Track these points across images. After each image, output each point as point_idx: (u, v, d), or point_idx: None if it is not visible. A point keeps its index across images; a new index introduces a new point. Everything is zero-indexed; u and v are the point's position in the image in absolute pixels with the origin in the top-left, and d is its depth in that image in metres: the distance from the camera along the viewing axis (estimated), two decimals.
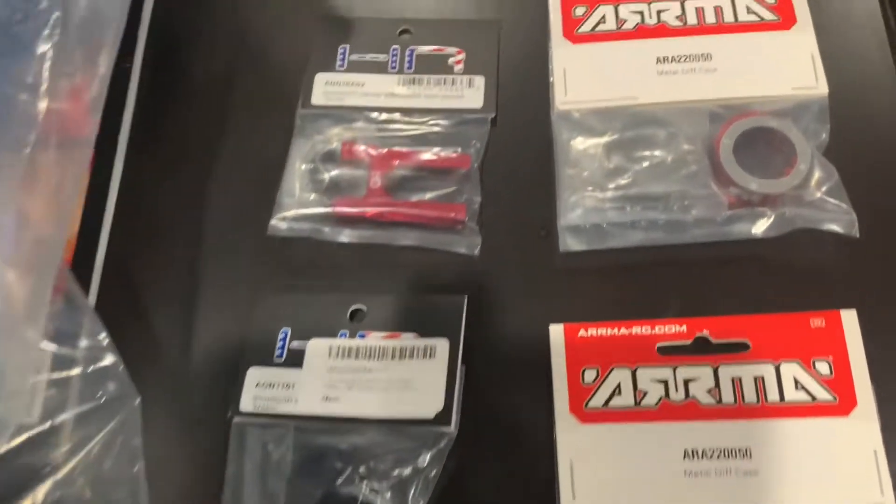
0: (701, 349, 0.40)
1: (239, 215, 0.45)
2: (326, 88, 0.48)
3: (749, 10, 0.47)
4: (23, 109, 0.35)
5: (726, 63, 0.46)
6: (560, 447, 0.38)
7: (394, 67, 0.48)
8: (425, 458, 0.38)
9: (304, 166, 0.45)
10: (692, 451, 0.38)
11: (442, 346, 0.40)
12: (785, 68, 0.45)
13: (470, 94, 0.47)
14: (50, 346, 0.37)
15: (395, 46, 0.49)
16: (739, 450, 0.38)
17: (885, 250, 0.42)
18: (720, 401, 0.39)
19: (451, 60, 0.48)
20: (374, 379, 0.40)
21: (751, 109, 0.44)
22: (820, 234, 0.42)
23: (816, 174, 0.43)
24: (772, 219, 0.42)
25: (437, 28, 0.49)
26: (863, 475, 0.37)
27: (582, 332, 0.41)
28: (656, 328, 0.41)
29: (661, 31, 0.47)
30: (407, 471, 0.38)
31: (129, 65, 0.49)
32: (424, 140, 0.46)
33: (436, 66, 0.48)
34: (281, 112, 0.47)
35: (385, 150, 0.46)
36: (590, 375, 0.40)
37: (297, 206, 0.44)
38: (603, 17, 0.48)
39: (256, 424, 0.40)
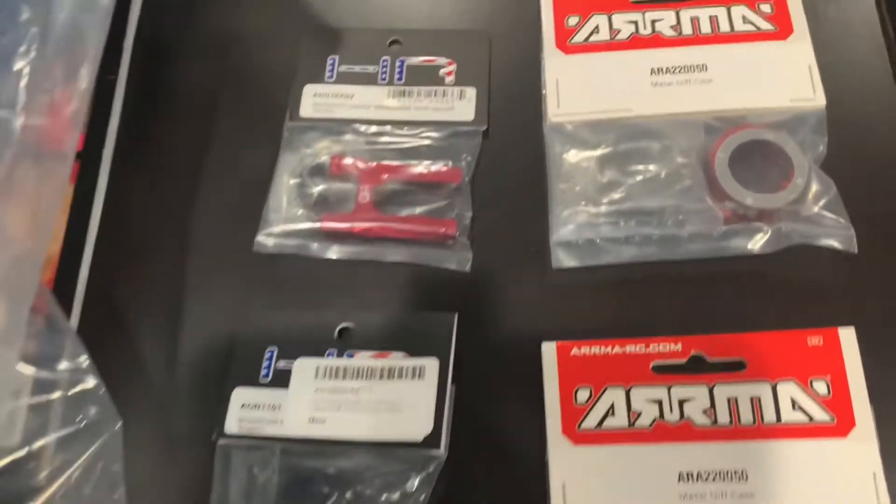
0: (696, 368, 0.39)
1: (225, 231, 0.44)
2: (315, 100, 0.47)
3: (745, 20, 0.46)
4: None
5: (722, 74, 0.45)
6: (552, 470, 0.38)
7: (384, 79, 0.47)
8: (414, 483, 0.37)
9: (291, 181, 0.45)
10: (687, 474, 0.37)
11: (431, 365, 0.39)
12: (781, 79, 0.45)
13: (461, 105, 0.46)
14: (30, 370, 0.36)
15: (385, 57, 0.48)
16: (735, 472, 0.37)
17: (885, 266, 0.41)
18: (716, 422, 0.38)
19: (441, 72, 0.47)
20: (361, 400, 0.39)
21: (747, 122, 0.44)
22: (817, 250, 0.41)
23: (814, 188, 0.42)
24: (768, 234, 0.41)
25: (428, 38, 0.49)
26: (861, 498, 0.36)
27: (575, 351, 0.40)
28: (651, 346, 0.40)
29: (656, 41, 0.46)
30: (395, 496, 0.37)
31: (114, 77, 0.48)
32: (415, 153, 0.45)
33: (426, 77, 0.47)
34: (269, 125, 0.46)
35: (374, 164, 0.45)
36: (583, 395, 0.39)
37: (284, 222, 0.43)
38: (596, 27, 0.47)
39: (242, 447, 0.39)
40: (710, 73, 0.45)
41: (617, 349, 0.40)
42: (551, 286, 0.42)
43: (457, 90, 0.47)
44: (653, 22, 0.47)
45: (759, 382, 0.39)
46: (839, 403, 0.38)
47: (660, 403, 0.39)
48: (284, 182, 0.44)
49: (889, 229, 0.41)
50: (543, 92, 0.46)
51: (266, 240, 0.43)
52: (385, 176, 0.44)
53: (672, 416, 0.38)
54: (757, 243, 0.41)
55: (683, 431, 0.38)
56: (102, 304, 0.43)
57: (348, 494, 0.37)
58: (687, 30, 0.46)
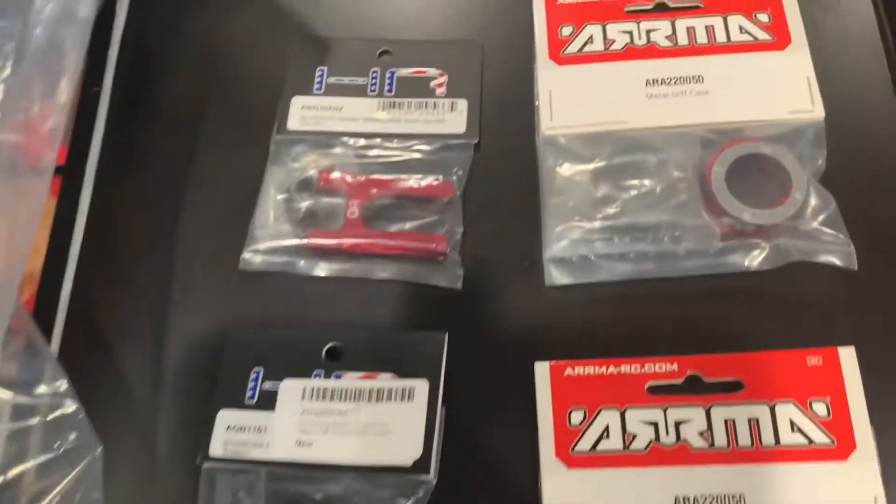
0: (693, 388, 0.38)
1: (211, 247, 0.43)
2: (303, 113, 0.46)
3: (742, 30, 0.45)
4: None
5: (718, 85, 0.44)
6: (546, 495, 0.37)
7: (373, 90, 0.46)
8: None
9: (278, 196, 0.44)
10: (684, 499, 0.36)
11: (421, 387, 0.38)
12: (779, 91, 0.44)
13: (452, 118, 0.45)
14: (7, 394, 0.35)
15: (374, 68, 0.47)
16: (733, 496, 0.36)
17: (886, 283, 0.40)
18: (713, 444, 0.37)
19: (432, 83, 0.46)
20: (349, 423, 0.38)
21: (744, 135, 0.43)
22: (817, 267, 0.40)
23: (813, 203, 0.41)
24: (766, 250, 0.40)
25: (419, 49, 0.48)
26: None
27: (569, 371, 0.39)
28: (646, 366, 0.39)
29: (651, 51, 0.45)
30: None
31: (98, 89, 0.47)
32: (405, 167, 0.44)
33: (417, 88, 0.46)
34: (256, 138, 0.45)
35: (363, 178, 0.44)
36: (577, 417, 0.38)
37: (271, 238, 0.42)
38: (590, 37, 0.46)
39: (227, 470, 0.38)
40: (707, 85, 0.44)
41: (612, 369, 0.39)
42: (544, 304, 0.41)
43: (448, 102, 0.46)
44: (648, 32, 0.46)
45: (757, 404, 0.38)
46: (839, 425, 0.37)
47: (655, 425, 0.38)
48: (271, 197, 0.43)
49: (890, 245, 0.41)
50: (536, 104, 0.45)
51: (252, 257, 0.42)
52: (374, 190, 0.43)
53: (668, 439, 0.37)
54: (755, 260, 0.40)
55: (680, 454, 0.37)
56: (85, 321, 0.42)
57: None
58: (683, 40, 0.45)
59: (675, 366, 0.39)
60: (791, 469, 0.36)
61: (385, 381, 0.39)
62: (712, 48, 0.45)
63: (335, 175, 0.44)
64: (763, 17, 0.46)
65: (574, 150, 0.43)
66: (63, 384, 0.36)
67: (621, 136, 0.43)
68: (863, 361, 0.38)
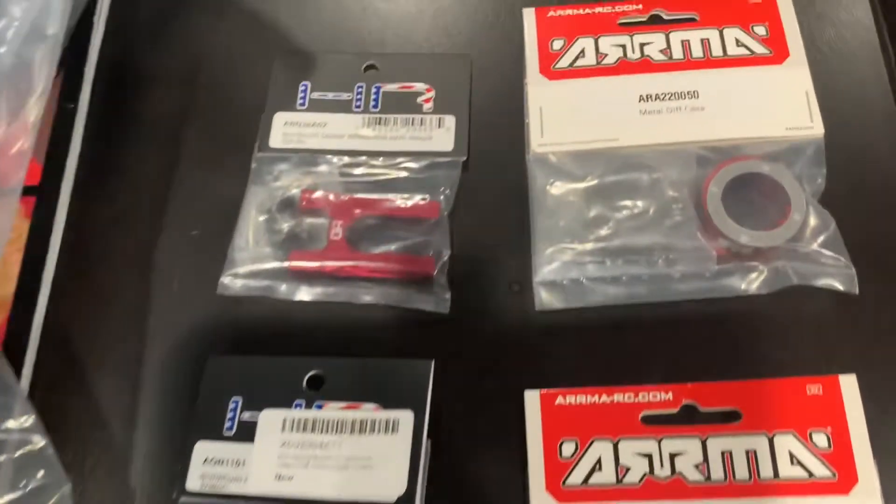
0: (688, 418, 0.37)
1: (190, 271, 0.42)
2: (286, 129, 0.44)
3: (738, 43, 0.44)
4: None
5: (714, 101, 0.43)
6: None
7: (358, 106, 0.45)
8: None
9: (259, 217, 0.42)
10: None
11: (406, 418, 0.37)
12: (777, 107, 0.42)
13: (439, 135, 0.44)
14: None
15: (360, 83, 0.46)
16: None
17: (888, 308, 0.38)
18: (709, 477, 0.36)
19: (419, 99, 0.45)
20: (331, 456, 0.36)
21: (740, 152, 0.41)
22: (816, 291, 0.39)
23: (812, 224, 0.40)
24: (764, 274, 0.39)
25: (405, 63, 0.46)
26: None
27: (560, 400, 0.38)
28: (640, 395, 0.37)
29: (645, 65, 0.44)
30: None
31: (74, 105, 0.45)
32: (390, 186, 0.43)
33: (403, 104, 0.45)
34: (237, 156, 0.44)
35: (347, 198, 0.42)
36: (568, 448, 0.37)
37: (251, 262, 0.41)
38: (582, 50, 0.45)
39: None
40: (702, 101, 0.43)
41: (604, 398, 0.38)
42: (534, 329, 0.40)
43: (435, 118, 0.44)
44: (641, 45, 0.44)
45: (755, 435, 0.36)
46: (841, 457, 0.35)
47: (650, 458, 0.36)
48: (252, 218, 0.42)
49: (893, 269, 0.39)
50: (526, 120, 0.43)
51: (231, 281, 0.41)
52: (358, 211, 0.42)
53: (663, 472, 0.36)
54: (752, 284, 0.39)
55: (675, 488, 0.35)
56: (59, 348, 0.41)
57: None
58: (677, 54, 0.44)
59: (669, 395, 0.37)
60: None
61: (368, 411, 0.37)
62: (708, 62, 0.44)
63: (318, 195, 0.42)
64: (760, 30, 0.44)
65: (565, 168, 0.42)
66: (31, 419, 0.34)
67: (614, 153, 0.42)
68: (865, 390, 0.36)
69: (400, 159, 0.44)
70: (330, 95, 0.45)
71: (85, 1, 0.47)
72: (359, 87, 0.45)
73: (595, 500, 0.36)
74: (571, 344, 0.39)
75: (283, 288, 0.41)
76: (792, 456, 0.36)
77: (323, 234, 0.42)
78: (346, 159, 0.44)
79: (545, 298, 0.40)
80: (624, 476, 0.36)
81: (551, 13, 0.46)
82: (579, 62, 0.44)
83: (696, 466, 0.36)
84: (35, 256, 0.42)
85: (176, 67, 0.47)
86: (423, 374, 0.38)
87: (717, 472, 0.36)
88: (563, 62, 0.44)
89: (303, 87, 0.46)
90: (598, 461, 0.36)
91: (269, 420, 0.37)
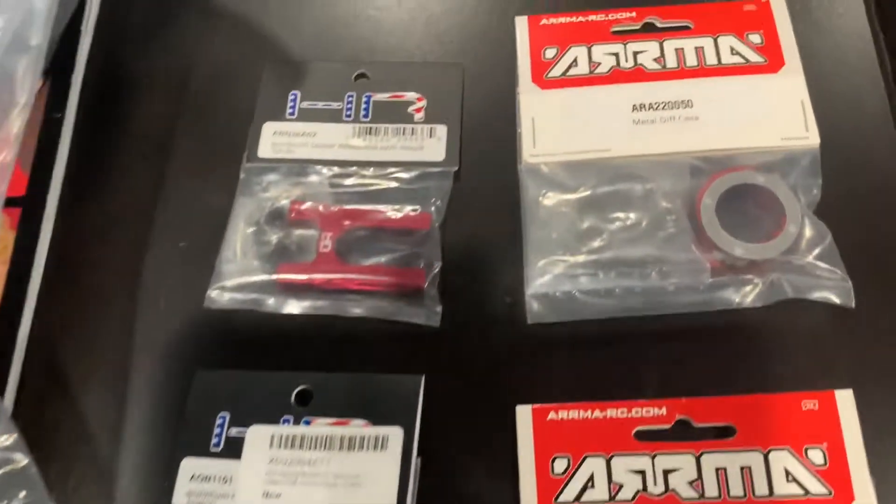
0: (682, 434, 0.36)
1: (177, 283, 0.41)
2: (275, 139, 0.44)
3: (733, 52, 0.43)
4: None
5: (708, 110, 0.42)
6: None
7: (349, 116, 0.44)
8: None
9: (247, 228, 0.41)
10: None
11: (395, 435, 0.36)
12: (772, 116, 0.42)
13: (431, 144, 0.43)
14: None
15: (350, 93, 0.45)
16: None
17: (885, 322, 0.38)
18: (703, 495, 0.35)
19: (410, 108, 0.44)
20: (319, 473, 0.36)
21: (735, 163, 0.41)
22: (812, 304, 0.38)
23: (807, 235, 0.39)
24: (759, 287, 0.38)
25: (396, 72, 0.46)
26: None
27: (552, 415, 0.37)
28: (633, 410, 0.37)
29: (638, 74, 0.43)
30: None
31: (61, 115, 0.45)
32: (381, 197, 0.42)
33: (394, 114, 0.44)
34: (225, 166, 0.43)
35: (336, 209, 0.42)
36: (560, 465, 0.36)
37: (239, 274, 0.40)
38: (575, 59, 0.44)
39: None
40: (696, 110, 0.42)
41: (597, 413, 0.37)
42: (526, 343, 0.39)
43: (426, 128, 0.44)
44: (635, 54, 0.44)
45: (749, 451, 0.36)
46: (837, 474, 0.35)
47: (643, 474, 0.36)
48: (240, 230, 0.41)
49: (890, 281, 0.39)
50: (519, 130, 0.43)
51: (218, 295, 0.40)
52: (348, 222, 0.41)
53: (656, 489, 0.35)
54: (747, 297, 0.39)
55: None
56: (44, 363, 0.40)
57: None
58: (671, 62, 0.44)
59: (663, 410, 0.37)
60: None
61: (357, 427, 0.36)
62: (702, 71, 0.43)
63: (307, 206, 0.42)
64: (755, 38, 0.44)
65: (558, 179, 0.41)
66: (12, 437, 0.33)
67: (607, 164, 0.41)
68: (861, 406, 0.36)
69: (391, 169, 0.43)
70: (320, 104, 0.45)
71: (72, 9, 0.46)
72: (349, 97, 0.45)
73: None
74: (564, 358, 0.39)
75: (271, 301, 0.40)
76: (787, 473, 0.35)
77: (312, 245, 0.41)
78: (337, 170, 0.43)
79: (537, 311, 0.39)
80: (617, 493, 0.35)
81: (544, 21, 0.45)
82: (572, 71, 0.44)
83: (690, 483, 0.35)
84: (20, 269, 0.42)
85: (164, 76, 0.46)
86: (413, 389, 0.37)
87: (711, 490, 0.35)
88: (556, 71, 0.44)
89: (292, 96, 0.45)
90: (591, 478, 0.36)
91: (257, 436, 0.37)
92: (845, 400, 0.36)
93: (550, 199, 0.41)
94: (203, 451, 0.37)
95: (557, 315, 0.39)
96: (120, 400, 0.39)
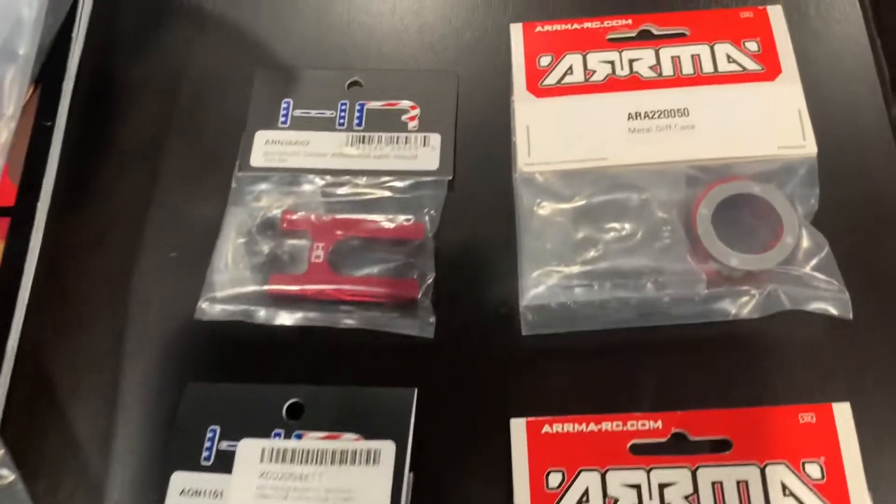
0: (678, 448, 0.36)
1: (168, 294, 0.41)
2: (267, 148, 0.43)
3: (730, 59, 0.43)
4: None
5: (704, 119, 0.42)
6: None
7: (342, 124, 0.44)
8: None
9: (239, 238, 0.41)
10: None
11: (387, 449, 0.36)
12: (769, 125, 0.41)
13: (425, 153, 0.43)
14: None
15: (343, 101, 0.45)
16: None
17: (883, 334, 0.38)
18: None
19: (404, 116, 0.44)
20: (310, 487, 0.35)
21: (731, 172, 0.40)
22: (809, 316, 0.38)
23: (805, 245, 0.39)
24: (756, 298, 0.38)
25: (390, 79, 0.45)
26: None
27: (546, 428, 0.37)
28: (628, 424, 0.36)
29: (634, 82, 0.43)
30: None
31: (52, 123, 0.44)
32: (374, 206, 0.42)
33: (388, 122, 0.44)
34: (217, 175, 0.43)
35: (328, 219, 0.41)
36: (555, 479, 0.36)
37: (230, 285, 0.40)
38: (570, 67, 0.44)
39: None
40: (693, 118, 0.42)
41: (592, 426, 0.37)
42: (521, 354, 0.39)
43: (420, 136, 0.43)
44: (630, 62, 0.43)
45: (746, 465, 0.35)
46: (834, 489, 0.34)
47: (638, 489, 0.35)
48: (231, 240, 0.41)
49: (888, 293, 0.38)
50: (513, 139, 0.42)
51: (209, 306, 0.39)
52: (340, 232, 0.41)
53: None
54: (743, 308, 0.38)
55: None
56: (33, 375, 0.39)
57: None
58: (667, 70, 0.43)
59: (658, 423, 0.36)
60: None
61: (349, 441, 0.36)
62: (698, 79, 0.43)
63: (299, 216, 0.41)
64: (752, 46, 0.43)
65: (553, 188, 0.41)
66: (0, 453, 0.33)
67: (602, 173, 0.41)
68: (859, 419, 0.35)
69: (384, 179, 0.43)
70: (313, 113, 0.44)
71: (63, 17, 0.46)
72: (342, 105, 0.44)
73: None
74: (559, 370, 0.38)
75: (262, 313, 0.39)
76: (784, 487, 0.35)
77: (304, 256, 0.41)
78: (329, 179, 0.43)
79: (532, 322, 0.39)
80: None
81: (539, 28, 0.45)
82: (567, 79, 0.43)
83: (686, 498, 0.35)
84: (9, 279, 0.41)
85: (155, 84, 0.46)
86: (406, 403, 0.37)
87: None
88: (551, 79, 0.43)
89: (285, 105, 0.45)
90: (586, 492, 0.35)
91: (248, 450, 0.36)
92: (843, 413, 0.36)
93: (545, 208, 0.41)
94: (193, 464, 0.36)
95: (552, 326, 0.39)
96: (109, 413, 0.38)
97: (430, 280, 0.40)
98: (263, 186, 0.43)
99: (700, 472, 0.35)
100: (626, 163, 0.41)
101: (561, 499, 0.35)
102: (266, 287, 0.40)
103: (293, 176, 0.43)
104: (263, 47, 0.47)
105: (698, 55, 0.43)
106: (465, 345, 0.39)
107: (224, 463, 0.36)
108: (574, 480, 0.36)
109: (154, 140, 0.45)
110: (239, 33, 0.47)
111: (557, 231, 0.40)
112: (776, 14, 0.44)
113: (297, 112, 0.44)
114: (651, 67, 0.43)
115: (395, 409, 0.37)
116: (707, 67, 0.43)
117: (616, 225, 0.40)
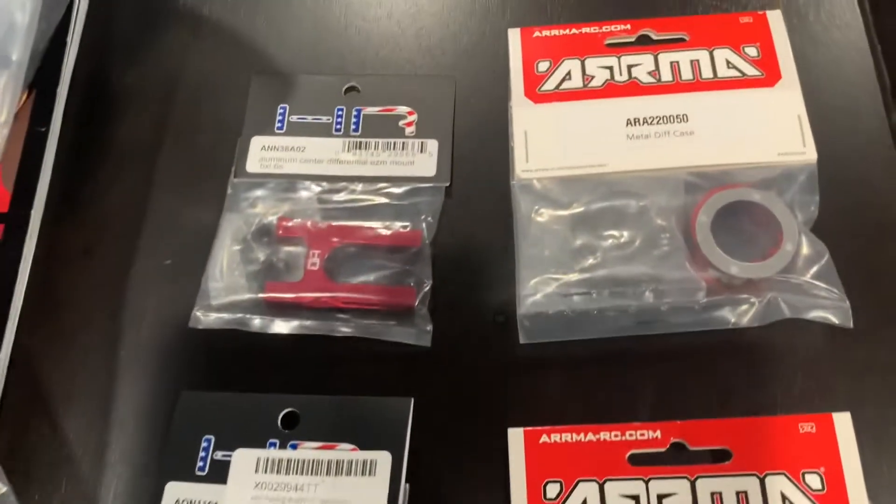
0: (677, 458, 0.36)
1: (162, 302, 0.40)
2: (263, 154, 0.43)
3: (729, 65, 0.43)
4: None
5: (704, 125, 0.41)
6: None
7: (338, 130, 0.44)
8: None
9: (234, 246, 0.41)
10: None
11: (383, 460, 0.35)
12: (769, 131, 0.41)
13: (422, 160, 0.43)
14: None
15: (339, 106, 0.44)
16: None
17: (884, 343, 0.37)
18: None
19: (401, 122, 0.44)
20: (305, 499, 0.35)
21: (731, 179, 0.40)
22: (809, 324, 0.37)
23: (805, 253, 0.38)
24: (755, 306, 0.38)
25: (387, 85, 0.45)
26: None
27: (544, 438, 0.36)
28: (627, 433, 0.36)
29: (632, 88, 0.43)
30: None
31: (46, 129, 0.44)
32: (371, 213, 0.42)
33: (385, 128, 0.44)
34: (212, 181, 0.43)
35: (324, 226, 0.41)
36: (552, 490, 0.35)
37: (225, 293, 0.39)
38: (568, 72, 0.43)
39: None
40: (692, 124, 0.41)
41: (590, 436, 0.36)
42: (518, 363, 0.38)
43: (417, 143, 0.43)
44: (629, 67, 0.43)
45: (745, 475, 0.35)
46: (834, 499, 0.34)
47: (637, 499, 0.35)
48: (226, 247, 0.41)
49: (888, 301, 0.38)
50: (511, 145, 0.42)
51: (203, 314, 0.39)
52: (336, 239, 0.41)
53: None
54: (743, 316, 0.38)
55: None
56: (26, 384, 0.39)
57: None
58: (666, 76, 0.43)
59: (657, 433, 0.36)
60: None
61: (345, 452, 0.36)
62: (698, 84, 0.42)
63: (295, 222, 0.41)
64: (751, 51, 0.43)
65: (551, 195, 0.41)
66: None
67: (600, 180, 0.41)
68: (859, 429, 0.35)
69: (381, 185, 0.42)
70: (309, 118, 0.44)
71: (57, 22, 0.45)
72: (339, 110, 0.44)
73: None
74: (556, 379, 0.38)
75: (257, 321, 0.39)
76: (784, 498, 0.34)
77: (300, 263, 0.40)
78: (326, 185, 0.42)
79: (530, 330, 0.39)
80: None
81: (537, 33, 0.45)
82: (565, 84, 0.43)
83: None
84: (3, 287, 0.41)
85: (151, 90, 0.46)
86: (402, 412, 0.36)
87: None
88: (549, 84, 0.43)
89: (281, 110, 0.44)
90: (584, 503, 0.35)
91: (243, 460, 0.36)
92: (843, 422, 0.35)
93: (543, 215, 0.41)
94: (188, 475, 0.36)
95: (550, 334, 0.38)
96: (103, 422, 0.38)
97: (427, 288, 0.40)
98: (259, 193, 0.42)
99: (699, 483, 0.35)
100: (624, 169, 0.41)
101: None
102: (261, 295, 0.39)
103: (289, 182, 0.42)
104: (259, 52, 0.46)
105: (697, 61, 0.43)
106: (462, 353, 0.39)
107: (219, 473, 0.36)
108: (572, 491, 0.35)
109: (149, 146, 0.44)
110: (235, 38, 0.47)
111: (555, 238, 0.40)
112: (776, 19, 0.44)
113: (294, 118, 0.44)
114: (650, 73, 0.43)
115: (392, 419, 0.36)
116: (706, 73, 0.43)
117: (614, 232, 0.39)
